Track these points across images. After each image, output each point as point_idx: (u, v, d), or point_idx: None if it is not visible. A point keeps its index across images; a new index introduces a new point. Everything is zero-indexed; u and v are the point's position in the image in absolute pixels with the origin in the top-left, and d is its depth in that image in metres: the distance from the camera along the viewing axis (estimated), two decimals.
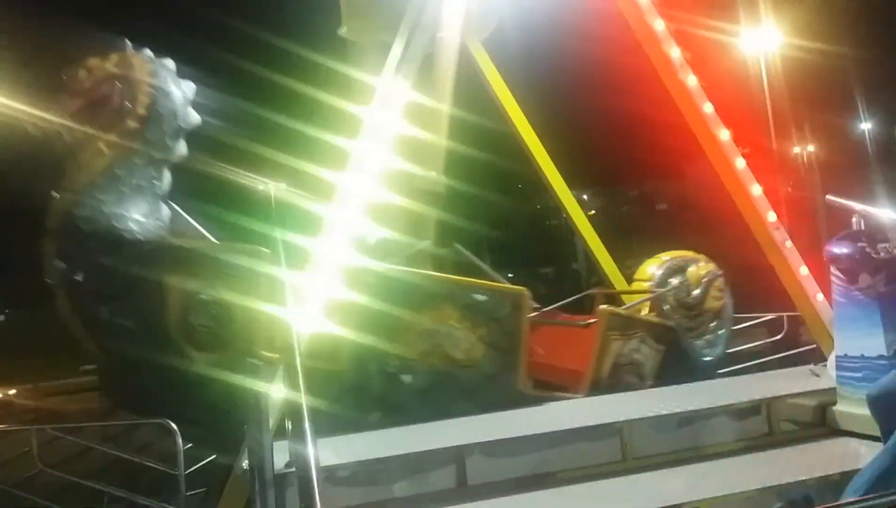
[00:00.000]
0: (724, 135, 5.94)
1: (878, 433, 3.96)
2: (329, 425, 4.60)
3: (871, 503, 3.16)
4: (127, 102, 5.40)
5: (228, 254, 5.40)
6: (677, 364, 6.28)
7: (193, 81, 5.82)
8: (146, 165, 5.50)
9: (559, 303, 7.72)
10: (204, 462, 5.85)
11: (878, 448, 3.88)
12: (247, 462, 4.45)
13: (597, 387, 5.91)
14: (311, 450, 3.23)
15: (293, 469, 3.81)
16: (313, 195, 6.40)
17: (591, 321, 6.25)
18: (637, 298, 6.88)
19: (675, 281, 6.68)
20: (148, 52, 5.66)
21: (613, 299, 7.43)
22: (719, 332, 6.72)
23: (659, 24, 6.19)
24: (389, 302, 5.38)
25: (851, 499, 3.46)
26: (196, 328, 5.24)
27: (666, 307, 6.58)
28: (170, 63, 5.71)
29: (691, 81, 6.12)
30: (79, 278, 5.20)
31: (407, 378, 5.41)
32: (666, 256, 7.02)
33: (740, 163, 5.93)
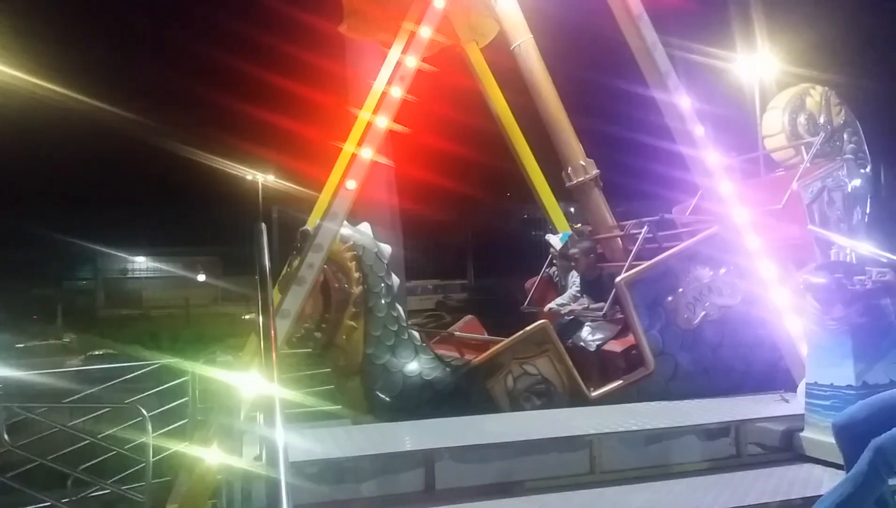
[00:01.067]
0: (714, 158, 5.99)
1: (841, 462, 4.02)
2: (299, 418, 4.61)
3: None
4: (345, 283, 5.65)
5: None
6: None
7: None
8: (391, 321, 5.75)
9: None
10: (172, 450, 5.84)
11: (840, 475, 3.94)
12: (216, 452, 4.45)
13: None
14: (280, 445, 3.24)
15: (261, 463, 3.80)
16: (302, 188, 6.41)
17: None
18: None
19: (802, 118, 6.84)
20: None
21: None
22: (855, 139, 6.91)
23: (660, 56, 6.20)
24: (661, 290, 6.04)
25: None
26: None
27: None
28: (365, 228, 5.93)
29: (684, 102, 6.15)
30: None
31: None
32: (780, 101, 7.12)
33: (726, 187, 5.98)
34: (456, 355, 6.25)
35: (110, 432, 5.89)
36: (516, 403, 5.70)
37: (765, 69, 19.69)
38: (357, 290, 5.66)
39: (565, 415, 5.45)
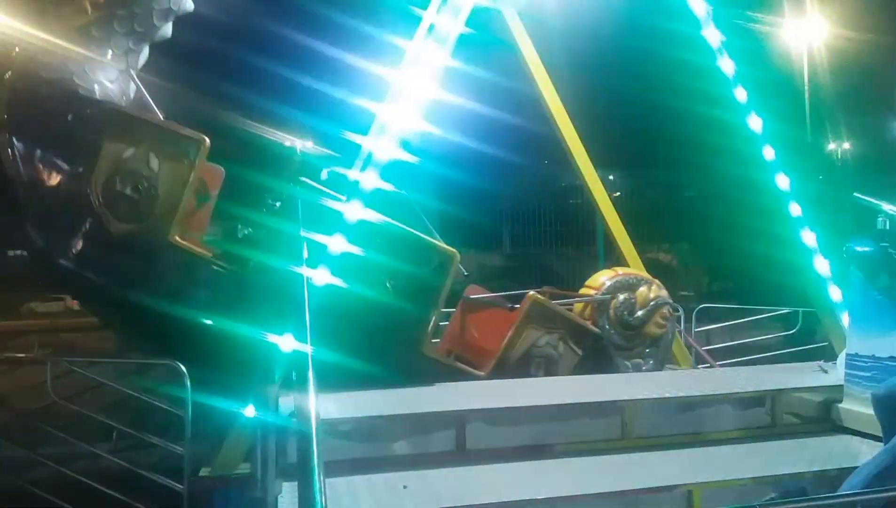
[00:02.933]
0: (755, 123, 5.86)
1: (879, 433, 3.95)
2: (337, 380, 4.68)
3: (865, 497, 3.17)
4: None
5: (169, 132, 5.37)
6: (595, 371, 6.10)
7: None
8: (126, 35, 5.46)
9: (503, 293, 7.22)
10: (213, 406, 5.98)
11: (878, 447, 3.88)
12: (252, 409, 4.55)
13: (501, 370, 5.80)
14: (312, 402, 3.29)
15: (294, 420, 3.88)
16: (340, 154, 6.43)
17: (519, 306, 6.12)
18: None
19: (622, 296, 6.47)
20: None
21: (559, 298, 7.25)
22: (650, 361, 6.50)
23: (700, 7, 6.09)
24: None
25: (846, 492, 3.48)
26: (118, 195, 5.22)
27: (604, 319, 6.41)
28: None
29: (727, 66, 6.02)
30: (31, 127, 5.19)
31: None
32: (622, 270, 6.89)
33: (768, 153, 5.85)
34: None
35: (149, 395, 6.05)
36: None
37: (814, 33, 19.09)
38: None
39: (598, 381, 5.44)
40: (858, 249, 4.87)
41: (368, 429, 4.48)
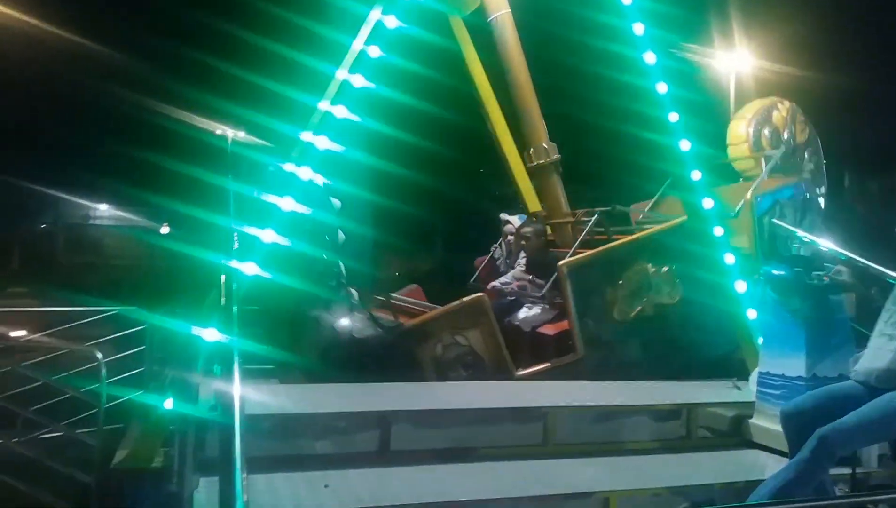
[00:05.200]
0: (685, 145, 6.07)
1: (786, 449, 4.14)
2: (257, 372, 4.60)
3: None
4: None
5: None
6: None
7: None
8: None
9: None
10: (125, 398, 5.78)
11: (784, 462, 4.07)
12: (171, 400, 4.42)
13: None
14: (237, 396, 3.22)
15: (215, 413, 3.78)
16: (273, 145, 6.31)
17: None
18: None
19: (766, 132, 7.02)
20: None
21: None
22: (815, 159, 7.09)
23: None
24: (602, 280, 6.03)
25: (753, 503, 3.64)
26: None
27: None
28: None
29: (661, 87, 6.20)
30: None
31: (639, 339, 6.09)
32: (747, 112, 7.28)
33: (696, 175, 6.06)
34: (392, 318, 6.18)
35: (64, 375, 5.81)
36: (442, 371, 5.70)
37: (741, 65, 19.99)
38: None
39: (521, 387, 5.51)
40: (774, 272, 5.09)
41: (290, 426, 4.41)
